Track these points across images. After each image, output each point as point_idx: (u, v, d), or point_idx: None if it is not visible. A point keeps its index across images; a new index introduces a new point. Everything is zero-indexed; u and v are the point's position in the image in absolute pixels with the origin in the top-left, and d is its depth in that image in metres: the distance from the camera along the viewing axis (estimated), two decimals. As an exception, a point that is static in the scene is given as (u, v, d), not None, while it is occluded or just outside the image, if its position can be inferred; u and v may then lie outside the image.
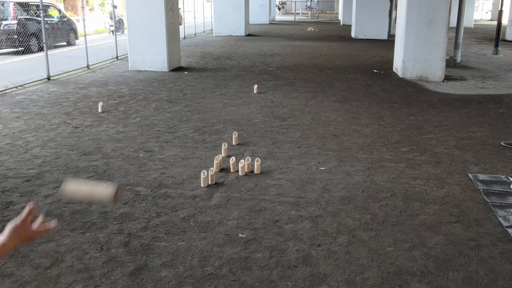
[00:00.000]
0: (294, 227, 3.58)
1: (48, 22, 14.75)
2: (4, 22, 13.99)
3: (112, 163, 4.91)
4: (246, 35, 20.96)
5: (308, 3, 43.03)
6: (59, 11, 16.87)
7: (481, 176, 4.60)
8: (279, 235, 3.47)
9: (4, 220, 3.64)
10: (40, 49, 13.42)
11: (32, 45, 13.84)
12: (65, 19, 16.54)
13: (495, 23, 16.61)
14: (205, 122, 6.52)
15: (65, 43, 16.41)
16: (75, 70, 10.94)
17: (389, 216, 3.77)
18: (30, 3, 15.01)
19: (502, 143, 5.72)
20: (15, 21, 13.99)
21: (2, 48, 13.73)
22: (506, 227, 3.59)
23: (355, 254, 3.22)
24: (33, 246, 3.27)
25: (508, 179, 4.54)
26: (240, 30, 21.01)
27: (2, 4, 14.28)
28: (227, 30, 20.97)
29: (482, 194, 4.19)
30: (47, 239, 3.36)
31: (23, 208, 3.83)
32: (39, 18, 13.63)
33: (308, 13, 41.32)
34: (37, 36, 13.73)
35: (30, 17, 14.54)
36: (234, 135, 5.57)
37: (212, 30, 22.40)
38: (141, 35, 10.76)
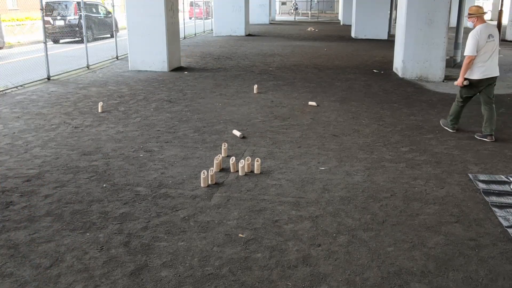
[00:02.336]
0: (294, 227, 3.58)
1: (99, 17, 19.31)
2: (68, 18, 17.74)
3: (112, 163, 4.91)
4: (246, 35, 20.97)
5: (294, 2, 42.99)
6: (105, 8, 20.07)
7: (481, 176, 4.60)
8: (279, 235, 3.47)
9: (4, 220, 3.64)
10: (94, 39, 18.17)
11: (88, 36, 17.15)
12: (109, 15, 19.51)
13: (495, 23, 16.61)
14: (205, 122, 6.52)
15: (109, 35, 19.43)
16: (75, 70, 10.95)
17: (389, 216, 3.77)
18: (87, 2, 18.64)
19: (475, 136, 5.92)
20: (77, 17, 17.48)
21: (65, 38, 17.76)
22: (506, 227, 3.59)
23: (355, 254, 3.22)
24: (33, 246, 3.27)
25: (508, 179, 4.54)
26: (240, 30, 21.02)
27: (66, 5, 18.09)
28: (227, 30, 20.99)
29: (482, 194, 4.19)
30: (47, 239, 3.36)
31: (23, 208, 3.84)
32: (93, 15, 18.87)
33: (308, 13, 41.35)
34: (92, 28, 18.34)
35: (87, 13, 17.94)
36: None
37: (212, 30, 22.41)
38: (141, 35, 10.76)
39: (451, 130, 6.19)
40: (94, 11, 19.30)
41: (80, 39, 16.81)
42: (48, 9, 17.72)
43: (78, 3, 17.50)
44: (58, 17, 17.95)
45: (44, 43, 9.74)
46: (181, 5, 26.07)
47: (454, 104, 6.18)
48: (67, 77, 10.16)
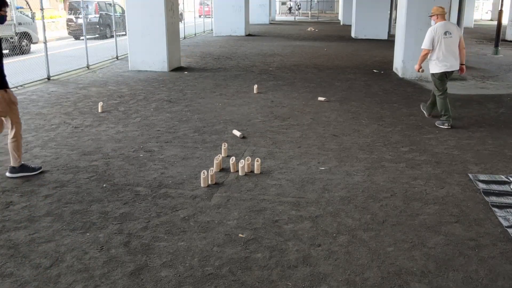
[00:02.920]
0: (294, 227, 3.58)
1: (116, 16, 19.78)
2: (89, 16, 19.47)
3: (112, 163, 4.91)
4: (246, 35, 20.97)
5: (290, 3, 42.98)
6: (122, 8, 21.41)
7: (481, 176, 4.60)
8: (279, 235, 3.47)
9: (4, 220, 3.64)
10: (112, 36, 18.55)
11: (107, 32, 20.02)
12: (124, 14, 20.58)
13: (495, 23, 16.62)
14: (205, 122, 6.52)
15: (124, 33, 21.17)
16: (75, 70, 10.94)
17: (389, 216, 3.77)
18: (106, 3, 20.95)
19: (436, 123, 6.51)
20: (97, 15, 19.64)
21: (87, 35, 18.70)
22: (506, 227, 3.59)
23: (355, 254, 3.22)
24: (33, 246, 3.27)
25: (508, 179, 4.54)
26: (240, 30, 21.02)
27: (87, 6, 19.54)
28: (227, 30, 20.98)
29: (482, 194, 4.19)
30: (47, 239, 3.36)
31: (23, 208, 3.84)
32: (111, 13, 19.83)
33: (308, 13, 41.36)
34: (110, 26, 19.76)
35: (106, 12, 20.29)
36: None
37: (212, 30, 22.41)
38: (141, 35, 10.76)
39: (447, 126, 6.36)
40: (112, 10, 20.81)
41: (98, 35, 19.27)
42: (71, 8, 20.19)
43: (99, 2, 20.00)
44: (80, 16, 19.31)
45: (44, 43, 9.74)
46: (191, 4, 26.69)
47: (437, 100, 6.54)
48: (67, 77, 10.16)
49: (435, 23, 6.44)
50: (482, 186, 4.36)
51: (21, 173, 4.51)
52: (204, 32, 22.97)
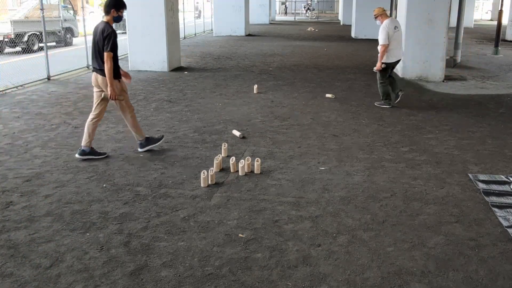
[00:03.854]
0: (294, 227, 3.58)
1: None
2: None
3: (112, 163, 4.91)
4: (246, 35, 20.97)
5: (286, 4, 43.19)
6: None
7: (481, 176, 4.60)
8: (279, 235, 3.47)
9: (4, 220, 3.64)
10: None
11: None
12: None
13: (495, 23, 16.63)
14: (205, 122, 6.52)
15: None
16: (75, 70, 10.94)
17: (389, 216, 3.77)
18: None
19: (375, 104, 7.46)
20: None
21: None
22: (506, 227, 3.59)
23: (355, 254, 3.22)
24: (33, 246, 3.27)
25: (508, 179, 4.54)
26: (240, 30, 21.02)
27: None
28: (227, 30, 20.99)
29: (482, 194, 4.19)
30: (47, 239, 3.36)
31: (23, 208, 3.84)
32: None
33: (308, 14, 41.38)
34: None
35: None
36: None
37: (212, 30, 22.41)
38: (141, 35, 10.76)
39: (388, 106, 7.37)
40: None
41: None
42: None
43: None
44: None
45: (44, 43, 9.73)
46: (200, 3, 27.07)
47: (379, 87, 7.42)
48: (67, 77, 10.16)
49: (381, 23, 7.15)
50: (482, 186, 4.36)
51: (148, 146, 5.23)
52: (204, 32, 22.98)
